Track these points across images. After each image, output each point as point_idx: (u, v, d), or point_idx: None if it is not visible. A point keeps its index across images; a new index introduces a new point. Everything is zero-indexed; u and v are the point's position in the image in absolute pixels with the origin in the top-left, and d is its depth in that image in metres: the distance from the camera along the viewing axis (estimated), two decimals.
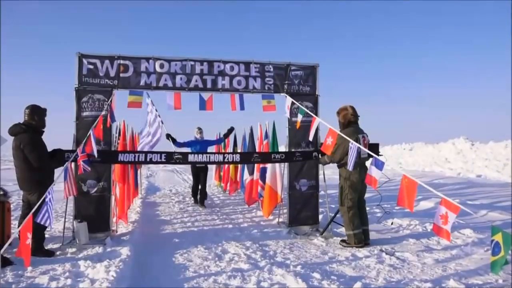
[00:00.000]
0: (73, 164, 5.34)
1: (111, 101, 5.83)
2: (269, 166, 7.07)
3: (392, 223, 6.88)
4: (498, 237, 2.71)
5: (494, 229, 2.76)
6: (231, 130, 9.39)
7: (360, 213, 5.61)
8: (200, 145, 9.11)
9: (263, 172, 7.52)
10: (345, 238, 5.62)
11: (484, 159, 19.65)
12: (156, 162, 5.78)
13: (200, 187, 9.42)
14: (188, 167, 25.01)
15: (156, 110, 7.07)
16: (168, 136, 8.26)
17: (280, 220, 7.06)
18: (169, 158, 5.76)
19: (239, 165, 9.80)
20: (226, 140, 11.36)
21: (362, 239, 5.47)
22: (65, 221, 5.68)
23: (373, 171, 4.19)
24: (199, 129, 9.39)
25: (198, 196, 9.45)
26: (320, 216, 6.86)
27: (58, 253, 5.12)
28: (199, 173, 9.43)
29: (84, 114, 5.78)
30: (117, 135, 7.14)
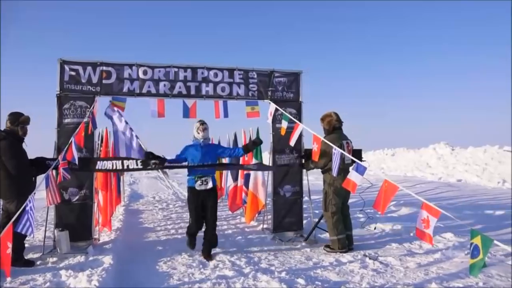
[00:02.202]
0: (54, 171, 5.25)
1: (93, 108, 5.77)
2: (252, 172, 7.08)
3: (375, 228, 6.95)
4: (477, 240, 2.77)
5: (473, 233, 2.82)
6: (257, 142, 5.92)
7: (344, 218, 5.65)
8: (202, 153, 5.37)
9: (247, 178, 7.52)
10: (329, 243, 5.65)
11: (464, 164, 20.02)
12: (134, 169, 5.47)
13: (204, 225, 5.48)
14: (171, 174, 24.84)
15: (127, 122, 6.24)
16: (149, 155, 5.37)
17: (265, 226, 7.06)
18: (146, 165, 5.37)
19: (223, 172, 9.74)
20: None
21: (346, 244, 5.51)
22: (45, 230, 5.58)
23: (353, 176, 4.24)
24: (202, 123, 5.43)
25: (202, 242, 5.45)
26: (304, 222, 6.89)
27: (38, 262, 5.03)
28: (205, 203, 5.33)
29: (66, 121, 5.70)
30: (99, 142, 7.06)
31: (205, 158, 5.36)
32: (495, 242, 2.64)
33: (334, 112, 5.79)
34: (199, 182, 5.25)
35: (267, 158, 7.02)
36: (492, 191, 13.51)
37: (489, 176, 17.08)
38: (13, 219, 3.32)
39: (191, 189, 5.36)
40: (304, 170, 6.62)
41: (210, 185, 5.29)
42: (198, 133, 5.40)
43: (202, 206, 5.35)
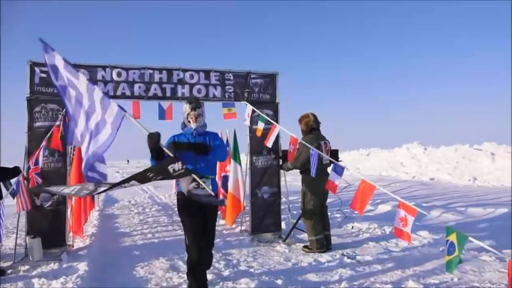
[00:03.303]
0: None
1: (65, 111, 5.61)
2: (231, 174, 7.04)
3: (352, 227, 7.02)
4: (453, 237, 2.82)
5: (448, 230, 2.87)
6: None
7: (322, 218, 5.69)
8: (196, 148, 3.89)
9: (224, 180, 7.48)
10: (308, 243, 5.67)
11: (436, 163, 20.53)
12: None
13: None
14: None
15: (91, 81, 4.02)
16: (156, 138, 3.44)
17: (243, 228, 7.03)
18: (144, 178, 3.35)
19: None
20: None
21: (324, 244, 5.54)
22: (16, 237, 5.38)
23: (333, 177, 4.28)
24: (192, 105, 3.93)
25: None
26: (283, 223, 6.90)
27: (9, 271, 4.85)
28: (205, 215, 3.93)
29: (37, 124, 5.53)
30: (72, 146, 6.89)
31: (200, 156, 3.82)
32: (470, 238, 2.69)
33: (311, 113, 5.82)
34: (193, 185, 3.64)
35: (244, 160, 7.01)
36: (463, 189, 13.90)
37: (460, 174, 17.57)
38: None
39: (182, 196, 3.83)
40: (282, 171, 6.63)
41: (209, 190, 3.61)
42: (189, 121, 3.92)
43: (202, 223, 3.88)
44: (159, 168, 3.22)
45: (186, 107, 3.95)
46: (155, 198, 13.37)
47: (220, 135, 4.34)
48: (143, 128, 3.49)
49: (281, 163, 6.61)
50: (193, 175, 3.50)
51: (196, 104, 3.93)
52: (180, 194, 3.91)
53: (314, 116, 5.79)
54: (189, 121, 3.94)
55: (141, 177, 3.17)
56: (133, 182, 3.19)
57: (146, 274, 4.75)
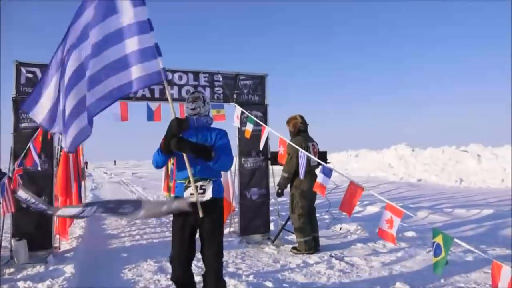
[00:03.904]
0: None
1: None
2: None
3: (340, 229, 7.06)
4: (439, 239, 2.85)
5: (435, 232, 2.90)
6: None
7: (310, 220, 5.71)
8: (198, 139, 3.25)
9: None
10: (296, 245, 5.69)
11: (423, 164, 20.75)
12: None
13: (204, 268, 3.32)
14: (136, 179, 24.35)
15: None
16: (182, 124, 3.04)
17: (232, 229, 7.02)
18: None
19: None
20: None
21: (312, 246, 5.56)
22: (1, 240, 5.29)
23: (321, 179, 4.27)
24: (194, 92, 3.49)
25: None
26: (271, 224, 6.91)
27: None
28: (200, 228, 3.22)
29: (23, 125, 5.46)
30: (59, 147, 6.81)
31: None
32: (456, 240, 2.73)
33: (299, 115, 5.85)
34: (189, 191, 3.10)
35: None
36: (450, 190, 14.07)
37: (447, 176, 17.79)
38: None
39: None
40: (271, 172, 6.65)
41: (208, 195, 3.12)
42: (187, 107, 3.34)
43: (193, 233, 3.22)
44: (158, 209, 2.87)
45: (188, 99, 3.36)
46: (143, 199, 13.28)
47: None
48: (172, 108, 3.04)
49: (270, 164, 6.62)
50: (190, 179, 3.03)
51: (196, 93, 3.41)
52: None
53: (302, 117, 5.82)
54: (187, 107, 3.36)
55: (153, 210, 2.84)
56: (142, 214, 2.69)
57: (134, 276, 4.71)
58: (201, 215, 2.98)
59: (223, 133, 3.38)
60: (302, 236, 5.55)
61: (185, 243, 3.17)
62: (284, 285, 4.24)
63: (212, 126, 3.42)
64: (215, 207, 3.19)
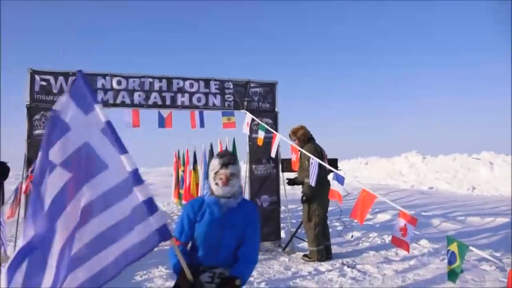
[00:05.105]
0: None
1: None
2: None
3: (352, 236, 7.00)
4: (454, 247, 2.81)
5: (449, 239, 2.86)
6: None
7: (323, 229, 5.68)
8: (223, 225, 2.59)
9: None
10: (307, 252, 5.65)
11: (435, 172, 20.55)
12: None
13: None
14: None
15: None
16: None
17: None
18: None
19: (199, 182, 9.67)
20: (186, 158, 11.18)
21: (324, 255, 5.53)
22: (15, 246, 5.35)
23: (335, 186, 4.23)
24: (223, 160, 2.58)
25: None
26: (282, 232, 6.87)
27: None
28: None
29: (36, 132, 5.53)
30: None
31: (225, 236, 2.60)
32: (471, 248, 2.69)
33: (302, 125, 5.92)
34: (206, 276, 2.58)
35: (243, 168, 7.00)
36: (462, 198, 13.89)
37: (459, 183, 17.58)
38: None
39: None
40: (281, 180, 6.64)
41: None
42: (216, 184, 2.56)
43: None
44: None
45: (214, 163, 2.58)
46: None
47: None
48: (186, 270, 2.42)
49: (281, 172, 6.62)
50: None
51: (229, 158, 2.59)
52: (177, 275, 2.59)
53: (306, 127, 5.89)
54: (217, 184, 2.55)
55: None
56: None
57: (144, 282, 4.72)
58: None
59: (254, 215, 2.73)
60: (315, 245, 5.51)
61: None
62: None
63: (240, 197, 2.69)
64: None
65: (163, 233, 2.20)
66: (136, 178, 2.19)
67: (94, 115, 2.30)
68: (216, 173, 2.56)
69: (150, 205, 2.18)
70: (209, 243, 2.59)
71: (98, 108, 2.31)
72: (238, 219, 2.61)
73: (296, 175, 6.05)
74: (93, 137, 2.29)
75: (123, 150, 2.22)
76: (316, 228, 5.55)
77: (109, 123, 2.27)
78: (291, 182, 6.31)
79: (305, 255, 5.66)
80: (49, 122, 2.40)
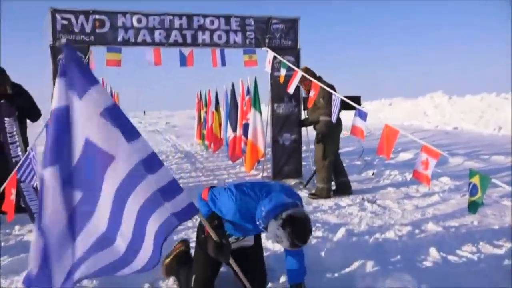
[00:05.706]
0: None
1: (88, 58, 5.66)
2: (251, 121, 7.09)
3: (373, 174, 7.06)
4: (476, 180, 2.83)
5: (472, 172, 2.87)
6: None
7: (337, 165, 5.75)
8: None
9: (245, 128, 7.53)
10: (313, 191, 5.74)
11: (460, 112, 20.07)
12: None
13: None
14: (169, 128, 24.85)
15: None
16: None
17: (264, 174, 7.17)
18: None
19: (222, 122, 9.77)
20: (207, 99, 11.25)
21: (331, 191, 5.63)
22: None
23: (358, 122, 4.18)
24: (306, 239, 2.22)
25: None
26: (303, 169, 6.99)
27: None
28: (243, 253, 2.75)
29: None
30: None
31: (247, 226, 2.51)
32: (493, 180, 2.70)
33: (306, 66, 5.84)
34: (232, 239, 2.66)
35: (264, 110, 7.02)
36: (488, 138, 13.65)
37: (485, 124, 17.19)
38: (17, 166, 3.36)
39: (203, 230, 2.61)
40: (303, 118, 6.64)
41: (250, 241, 2.83)
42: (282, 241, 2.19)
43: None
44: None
45: (287, 239, 2.15)
46: (177, 146, 13.64)
47: None
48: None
49: (302, 110, 6.62)
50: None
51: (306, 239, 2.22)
52: (200, 228, 2.78)
53: None
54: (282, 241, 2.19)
55: None
56: None
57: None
58: (250, 243, 2.82)
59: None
60: (326, 182, 5.57)
61: (210, 263, 2.68)
62: (317, 224, 4.35)
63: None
64: (258, 244, 2.91)
65: (192, 208, 2.17)
66: (150, 164, 2.03)
67: (90, 98, 1.97)
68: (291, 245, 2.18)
69: (172, 188, 2.16)
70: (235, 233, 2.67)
71: (94, 88, 1.98)
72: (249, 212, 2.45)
73: (306, 116, 6.03)
74: (92, 128, 1.98)
75: (131, 136, 2.00)
76: (330, 166, 5.61)
77: (110, 106, 1.98)
78: (301, 123, 6.31)
79: (311, 194, 5.70)
80: (51, 122, 2.03)
